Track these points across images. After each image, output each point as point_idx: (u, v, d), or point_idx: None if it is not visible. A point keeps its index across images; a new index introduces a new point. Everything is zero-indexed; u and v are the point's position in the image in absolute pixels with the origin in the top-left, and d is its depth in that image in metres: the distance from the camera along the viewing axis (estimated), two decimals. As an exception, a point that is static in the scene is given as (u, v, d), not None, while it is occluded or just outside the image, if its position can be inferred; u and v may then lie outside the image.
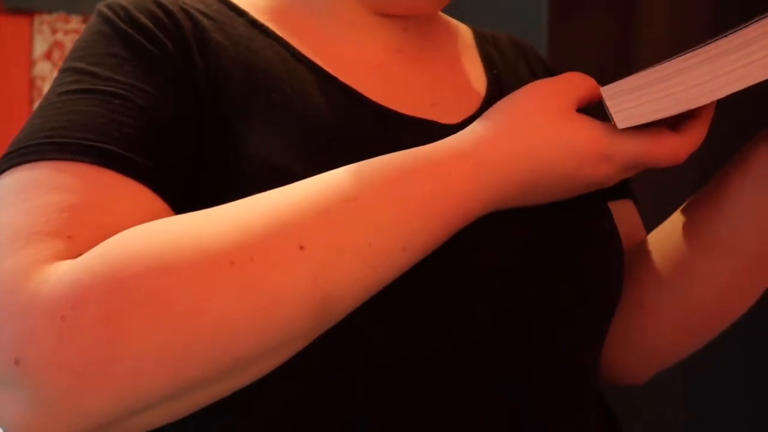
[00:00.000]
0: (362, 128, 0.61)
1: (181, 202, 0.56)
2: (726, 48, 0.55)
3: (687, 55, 0.55)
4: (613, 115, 0.57)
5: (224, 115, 0.60)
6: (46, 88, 3.37)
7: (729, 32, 0.55)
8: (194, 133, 0.59)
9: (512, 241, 0.60)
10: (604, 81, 0.59)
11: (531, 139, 0.57)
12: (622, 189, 0.76)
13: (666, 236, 0.71)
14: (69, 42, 3.40)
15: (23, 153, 0.54)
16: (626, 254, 0.71)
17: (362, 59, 0.67)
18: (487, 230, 0.59)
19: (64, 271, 0.49)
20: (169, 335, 0.48)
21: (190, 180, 0.58)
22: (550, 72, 0.76)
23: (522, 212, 0.60)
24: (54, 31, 3.40)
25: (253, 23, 0.65)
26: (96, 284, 0.48)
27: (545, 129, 0.57)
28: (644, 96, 0.56)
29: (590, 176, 0.58)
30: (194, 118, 0.59)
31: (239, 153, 0.58)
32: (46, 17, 3.38)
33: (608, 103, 0.57)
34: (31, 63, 3.36)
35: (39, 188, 0.52)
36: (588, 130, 0.57)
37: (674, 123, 0.60)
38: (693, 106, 0.56)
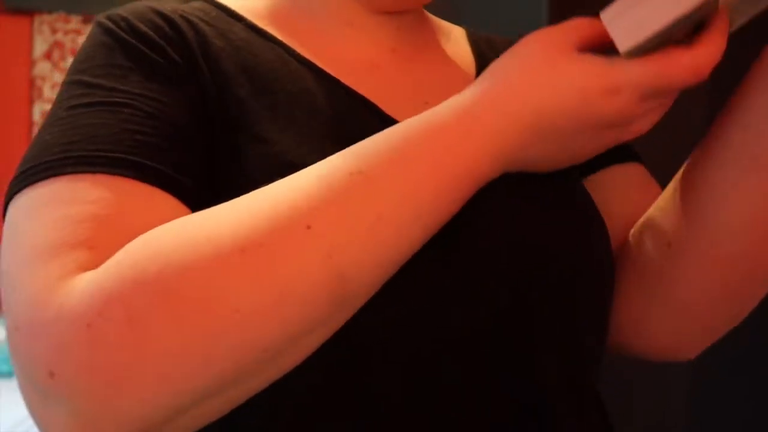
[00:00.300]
0: (366, 127, 0.62)
1: (198, 204, 0.56)
2: None
3: None
4: (614, 40, 0.53)
5: (232, 117, 0.60)
6: (46, 88, 3.38)
7: None
8: (205, 136, 0.59)
9: (509, 230, 0.60)
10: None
11: (529, 82, 0.56)
12: (624, 152, 0.75)
13: (690, 170, 0.66)
14: (69, 42, 3.41)
15: (40, 170, 0.54)
16: (646, 211, 0.69)
17: (358, 59, 0.67)
18: (488, 218, 0.59)
19: (88, 281, 0.49)
20: (192, 331, 0.48)
21: (205, 181, 0.58)
22: None
23: (517, 197, 0.60)
24: (54, 31, 3.40)
25: (252, 28, 0.66)
26: (117, 289, 0.48)
27: (542, 70, 0.56)
28: (643, 7, 0.52)
29: (599, 112, 0.55)
30: (204, 121, 0.59)
31: (251, 152, 0.59)
32: (46, 17, 3.39)
33: (608, 28, 0.54)
34: (31, 63, 3.37)
35: (59, 202, 0.53)
36: (587, 64, 0.55)
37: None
38: (698, 2, 0.51)
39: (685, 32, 0.56)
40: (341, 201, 0.52)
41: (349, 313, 0.53)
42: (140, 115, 0.56)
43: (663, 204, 0.69)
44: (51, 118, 0.58)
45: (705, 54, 0.54)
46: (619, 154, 0.74)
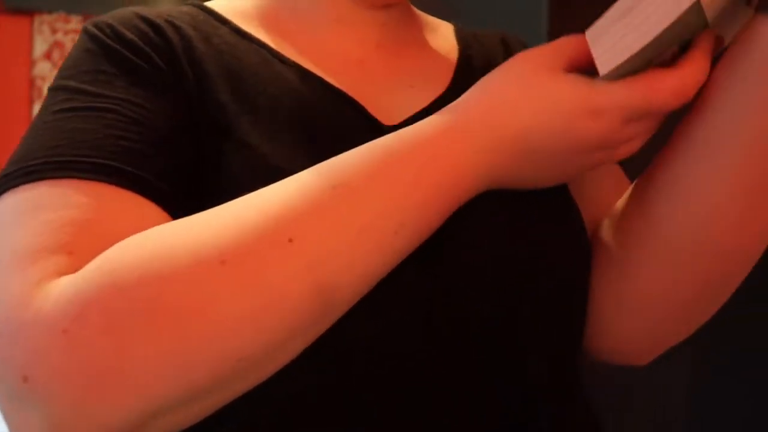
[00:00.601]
0: (348, 126, 0.62)
1: (181, 210, 0.56)
2: None
3: None
4: (596, 62, 0.53)
5: (216, 122, 0.60)
6: (46, 88, 3.38)
7: None
8: (189, 141, 0.59)
9: (494, 245, 0.60)
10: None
11: (515, 103, 0.56)
12: None
13: (650, 172, 0.65)
14: (69, 42, 3.41)
15: (22, 173, 0.55)
16: (615, 207, 0.69)
17: (344, 55, 0.68)
18: (472, 232, 0.59)
19: (65, 285, 0.49)
20: (170, 340, 0.48)
21: (188, 187, 0.58)
22: None
23: (503, 211, 0.60)
24: (54, 31, 3.40)
25: (237, 31, 0.66)
26: (94, 295, 0.48)
27: (529, 91, 0.56)
28: (622, 28, 0.51)
29: (584, 135, 0.55)
30: (188, 126, 0.60)
31: (235, 156, 0.59)
32: (46, 17, 3.39)
33: (591, 49, 0.53)
34: (31, 63, 3.37)
35: (40, 207, 0.53)
36: (572, 85, 0.55)
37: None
38: (675, 17, 0.49)
39: (672, 53, 0.55)
40: (323, 214, 0.52)
41: (329, 323, 0.53)
42: (124, 121, 0.57)
43: (621, 206, 0.68)
44: (36, 123, 0.58)
45: (688, 76, 0.53)
46: None
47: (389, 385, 0.56)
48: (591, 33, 0.53)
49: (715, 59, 0.57)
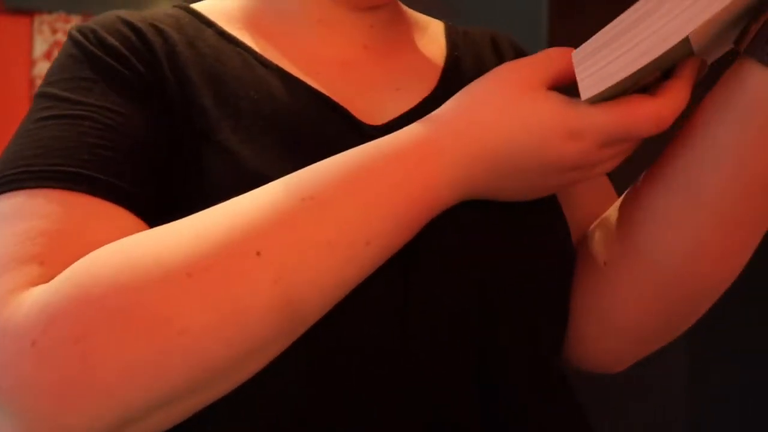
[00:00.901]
0: (329, 129, 0.62)
1: (158, 217, 0.56)
2: None
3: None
4: (579, 85, 0.53)
5: (197, 127, 0.60)
6: (46, 88, 3.38)
7: None
8: (169, 147, 0.60)
9: (469, 253, 0.60)
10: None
11: (490, 116, 0.56)
12: None
13: (633, 195, 0.66)
14: (69, 42, 3.41)
15: (2, 183, 0.55)
16: (596, 222, 0.69)
17: (329, 58, 0.67)
18: (448, 241, 0.59)
19: (36, 296, 0.50)
20: (137, 351, 0.49)
21: (169, 192, 0.58)
22: (521, 55, 0.75)
23: (479, 221, 0.60)
24: (54, 31, 3.40)
25: (221, 34, 0.66)
26: (63, 307, 0.49)
27: (506, 105, 0.56)
28: (607, 55, 0.51)
29: (560, 155, 0.55)
30: (168, 132, 0.60)
31: (215, 161, 0.59)
32: (46, 17, 3.39)
33: (576, 71, 0.53)
34: (31, 63, 3.37)
35: (14, 217, 0.53)
36: (551, 104, 0.55)
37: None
38: (661, 51, 0.50)
39: (655, 77, 0.56)
40: (292, 227, 0.52)
41: (297, 334, 0.54)
42: (100, 128, 0.57)
43: (605, 223, 0.69)
44: (20, 130, 0.59)
45: (668, 105, 0.54)
46: None
47: (372, 389, 0.57)
48: (577, 55, 0.53)
49: (698, 83, 0.57)
